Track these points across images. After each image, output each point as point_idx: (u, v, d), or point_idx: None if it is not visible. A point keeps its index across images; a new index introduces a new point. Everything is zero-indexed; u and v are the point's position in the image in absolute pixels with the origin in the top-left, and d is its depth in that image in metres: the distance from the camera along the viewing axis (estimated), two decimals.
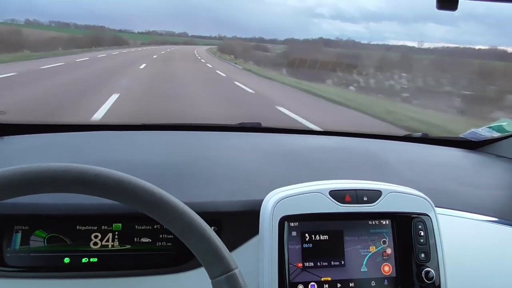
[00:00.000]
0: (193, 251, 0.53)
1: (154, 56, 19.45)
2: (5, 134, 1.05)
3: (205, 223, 0.54)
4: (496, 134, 1.35)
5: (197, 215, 0.54)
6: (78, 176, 0.50)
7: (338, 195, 0.77)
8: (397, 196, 0.80)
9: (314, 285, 0.75)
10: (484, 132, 1.36)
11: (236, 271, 0.53)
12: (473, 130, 1.38)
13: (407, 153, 1.26)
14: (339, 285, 0.76)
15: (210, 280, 0.54)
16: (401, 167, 1.10)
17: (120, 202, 0.52)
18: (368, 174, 0.88)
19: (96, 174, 0.50)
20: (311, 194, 0.77)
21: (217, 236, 0.54)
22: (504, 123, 1.34)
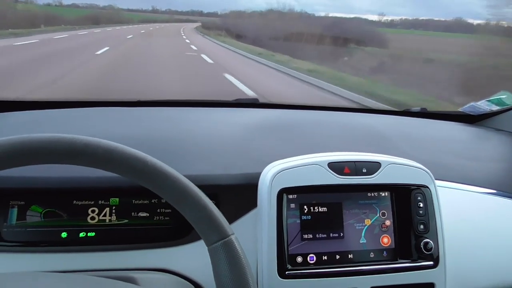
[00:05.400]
0: (188, 219, 0.53)
1: None
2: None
3: (199, 190, 0.53)
4: (495, 108, 1.33)
5: (191, 183, 0.53)
6: (66, 146, 0.48)
7: (337, 167, 0.77)
8: (397, 168, 0.80)
9: (313, 256, 0.75)
10: (483, 105, 1.35)
11: (232, 237, 0.52)
12: (472, 103, 1.37)
13: (406, 127, 1.25)
14: (337, 256, 0.76)
15: (208, 253, 0.53)
16: (399, 141, 1.09)
17: (112, 171, 0.51)
18: (367, 148, 0.87)
19: (85, 143, 0.49)
20: (310, 166, 0.76)
21: (212, 203, 0.53)
22: (504, 96, 1.33)
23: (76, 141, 0.49)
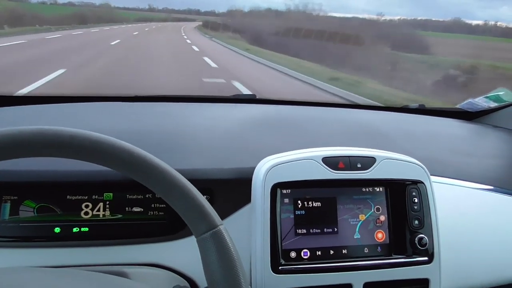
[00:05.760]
0: (177, 210, 0.52)
1: None
2: None
3: (188, 181, 0.53)
4: (493, 104, 1.33)
5: (180, 174, 0.53)
6: (52, 138, 0.48)
7: (331, 162, 0.76)
8: (392, 163, 0.79)
9: (306, 252, 0.75)
10: (481, 102, 1.34)
11: (221, 227, 0.52)
12: (470, 100, 1.37)
13: (403, 123, 1.25)
14: (331, 252, 0.75)
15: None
16: (397, 137, 1.09)
17: (99, 163, 0.50)
18: (364, 143, 0.87)
19: (71, 135, 0.49)
20: (304, 161, 0.76)
21: (200, 194, 0.53)
22: (501, 93, 1.33)
23: (62, 133, 0.48)
